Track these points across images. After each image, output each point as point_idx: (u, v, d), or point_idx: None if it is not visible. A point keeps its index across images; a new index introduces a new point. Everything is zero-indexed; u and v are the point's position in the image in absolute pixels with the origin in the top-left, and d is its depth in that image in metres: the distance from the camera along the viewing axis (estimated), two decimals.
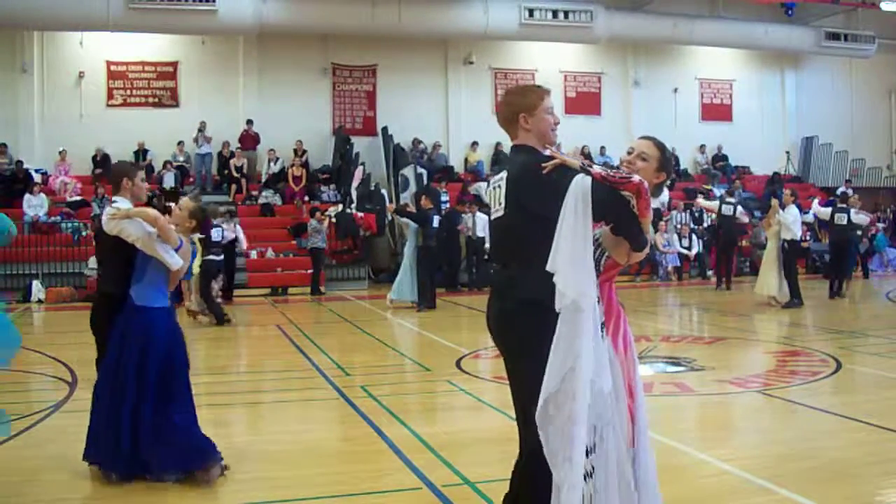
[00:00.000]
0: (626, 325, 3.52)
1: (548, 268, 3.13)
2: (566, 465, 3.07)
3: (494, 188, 3.47)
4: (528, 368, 3.27)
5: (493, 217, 3.52)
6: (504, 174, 3.43)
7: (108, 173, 20.30)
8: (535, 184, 3.23)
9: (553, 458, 3.11)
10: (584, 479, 3.15)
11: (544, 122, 3.43)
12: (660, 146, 3.60)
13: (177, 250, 4.93)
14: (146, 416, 4.72)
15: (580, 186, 3.12)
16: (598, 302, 3.26)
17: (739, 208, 17.64)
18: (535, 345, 3.19)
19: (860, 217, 15.59)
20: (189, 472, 4.72)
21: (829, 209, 15.87)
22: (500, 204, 3.41)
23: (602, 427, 3.20)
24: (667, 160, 3.58)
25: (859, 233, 17.14)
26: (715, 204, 17.64)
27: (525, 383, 3.31)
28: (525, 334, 3.27)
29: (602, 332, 3.30)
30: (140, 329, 4.79)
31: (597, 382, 3.15)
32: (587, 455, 3.17)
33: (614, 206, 3.18)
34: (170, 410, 4.76)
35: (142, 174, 5.33)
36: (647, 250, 3.42)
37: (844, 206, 15.69)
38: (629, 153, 3.58)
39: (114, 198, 5.16)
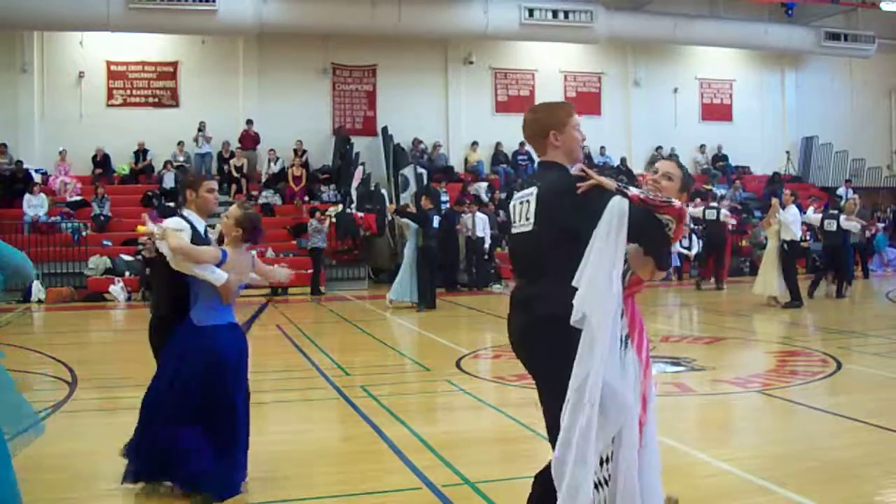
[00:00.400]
0: (646, 337, 3.58)
1: (574, 283, 3.17)
2: (578, 467, 3.09)
3: (521, 203, 3.47)
4: (551, 381, 3.30)
5: (516, 231, 3.50)
6: (533, 190, 3.41)
7: (108, 173, 20.38)
8: (570, 203, 3.26)
9: (564, 460, 3.12)
10: (600, 487, 3.19)
11: (573, 139, 3.47)
12: (682, 167, 3.73)
13: (220, 264, 4.64)
14: (209, 435, 4.53)
15: (617, 208, 3.18)
16: (622, 316, 3.31)
17: (724, 211, 17.68)
18: (557, 358, 3.22)
19: (850, 224, 15.46)
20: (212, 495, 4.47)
21: (819, 216, 15.82)
22: (527, 219, 3.41)
23: (620, 437, 3.24)
24: (687, 180, 3.70)
25: (856, 230, 16.94)
26: (699, 210, 17.70)
27: (547, 396, 3.35)
28: (548, 348, 3.30)
29: (627, 343, 3.36)
30: (203, 347, 4.59)
31: (619, 394, 3.19)
32: (606, 463, 3.21)
33: (650, 230, 3.26)
34: (226, 432, 4.57)
35: (210, 184, 5.01)
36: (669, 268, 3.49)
37: (835, 212, 15.65)
38: (654, 172, 3.68)
39: (184, 211, 4.95)
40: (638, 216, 3.18)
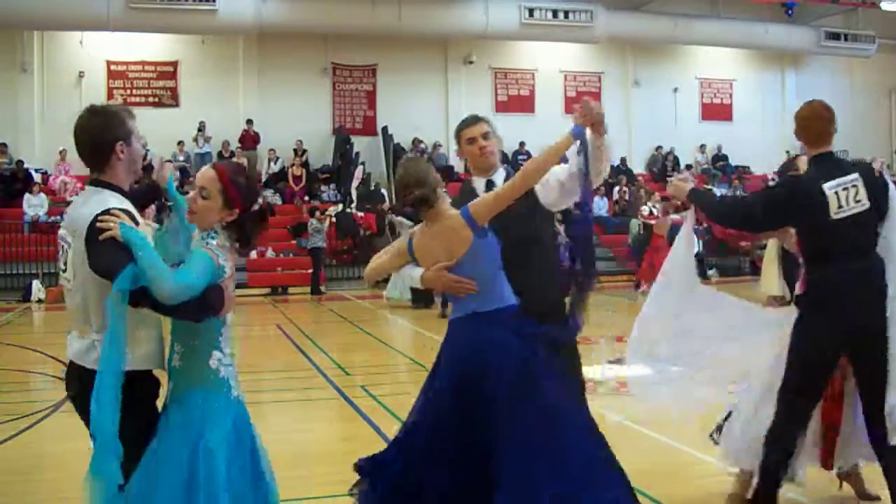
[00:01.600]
0: None
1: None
2: None
3: (844, 189, 3.94)
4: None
5: (845, 214, 3.93)
6: (855, 176, 3.96)
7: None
8: (884, 187, 4.07)
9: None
10: None
11: None
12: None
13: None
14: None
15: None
16: None
17: None
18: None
19: None
20: None
21: None
22: (856, 201, 3.93)
23: None
24: None
25: None
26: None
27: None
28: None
29: None
30: (443, 348, 3.57)
31: None
32: None
33: None
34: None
35: (469, 132, 3.80)
36: None
37: None
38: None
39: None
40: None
